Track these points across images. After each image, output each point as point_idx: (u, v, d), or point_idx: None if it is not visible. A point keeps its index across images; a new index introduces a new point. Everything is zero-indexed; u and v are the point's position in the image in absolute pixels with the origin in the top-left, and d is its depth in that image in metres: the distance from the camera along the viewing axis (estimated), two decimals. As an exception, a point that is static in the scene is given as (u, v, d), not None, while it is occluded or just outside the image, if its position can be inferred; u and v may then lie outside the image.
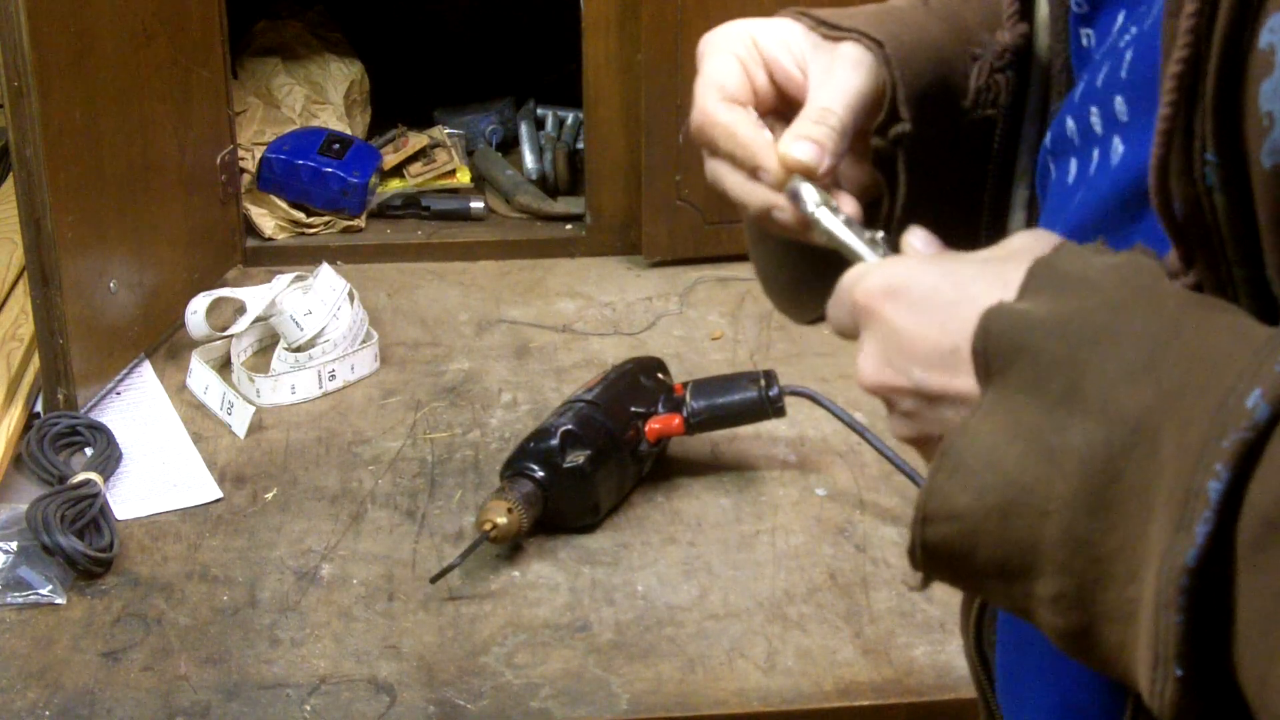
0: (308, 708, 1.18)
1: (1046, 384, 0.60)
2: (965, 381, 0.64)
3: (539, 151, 2.04)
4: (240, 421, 1.52)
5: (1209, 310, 0.59)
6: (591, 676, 1.22)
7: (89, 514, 1.34)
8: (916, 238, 0.73)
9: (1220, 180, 0.59)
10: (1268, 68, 0.56)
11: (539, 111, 2.12)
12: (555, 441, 1.36)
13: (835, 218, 0.78)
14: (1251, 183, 0.58)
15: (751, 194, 0.81)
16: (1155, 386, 0.57)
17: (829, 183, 0.80)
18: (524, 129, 2.07)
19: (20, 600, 1.28)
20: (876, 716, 1.20)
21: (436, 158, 2.00)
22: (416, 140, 2.00)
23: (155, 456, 1.48)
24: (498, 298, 1.80)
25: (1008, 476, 0.60)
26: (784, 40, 0.83)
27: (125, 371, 1.59)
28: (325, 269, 1.68)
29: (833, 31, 0.82)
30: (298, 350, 1.61)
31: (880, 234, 0.76)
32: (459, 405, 1.59)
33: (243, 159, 1.86)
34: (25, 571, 1.30)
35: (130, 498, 1.42)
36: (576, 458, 1.36)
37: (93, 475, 1.38)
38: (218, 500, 1.43)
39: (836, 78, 0.80)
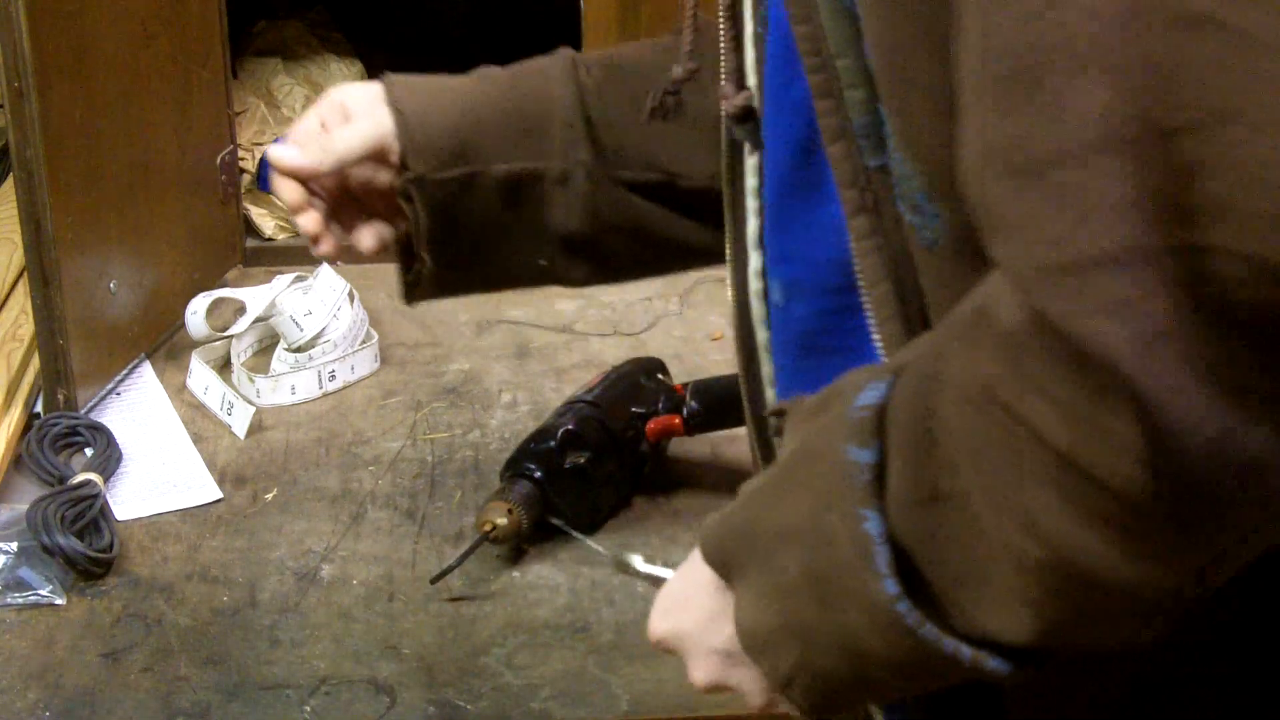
0: (308, 708, 1.18)
1: (759, 550, 0.74)
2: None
3: (539, 151, 2.04)
4: (240, 422, 1.52)
5: (819, 444, 0.72)
6: (592, 677, 1.22)
7: (89, 514, 1.33)
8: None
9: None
10: None
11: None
12: (555, 442, 1.36)
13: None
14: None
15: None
16: (809, 495, 0.70)
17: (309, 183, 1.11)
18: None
19: (20, 601, 1.28)
20: (877, 717, 1.20)
21: (436, 158, 2.00)
22: (416, 140, 2.00)
23: (155, 457, 1.48)
24: (498, 298, 1.80)
25: (781, 628, 0.73)
26: (366, 99, 1.09)
27: (125, 372, 1.59)
28: (325, 269, 1.68)
29: (391, 99, 1.09)
30: (298, 350, 1.61)
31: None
32: (459, 405, 1.59)
33: (243, 159, 1.86)
34: (25, 572, 1.30)
35: (130, 498, 1.42)
36: (577, 458, 1.36)
37: (93, 476, 1.38)
38: (218, 501, 1.43)
39: (357, 124, 1.09)
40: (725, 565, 0.77)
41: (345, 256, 1.14)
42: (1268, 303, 0.53)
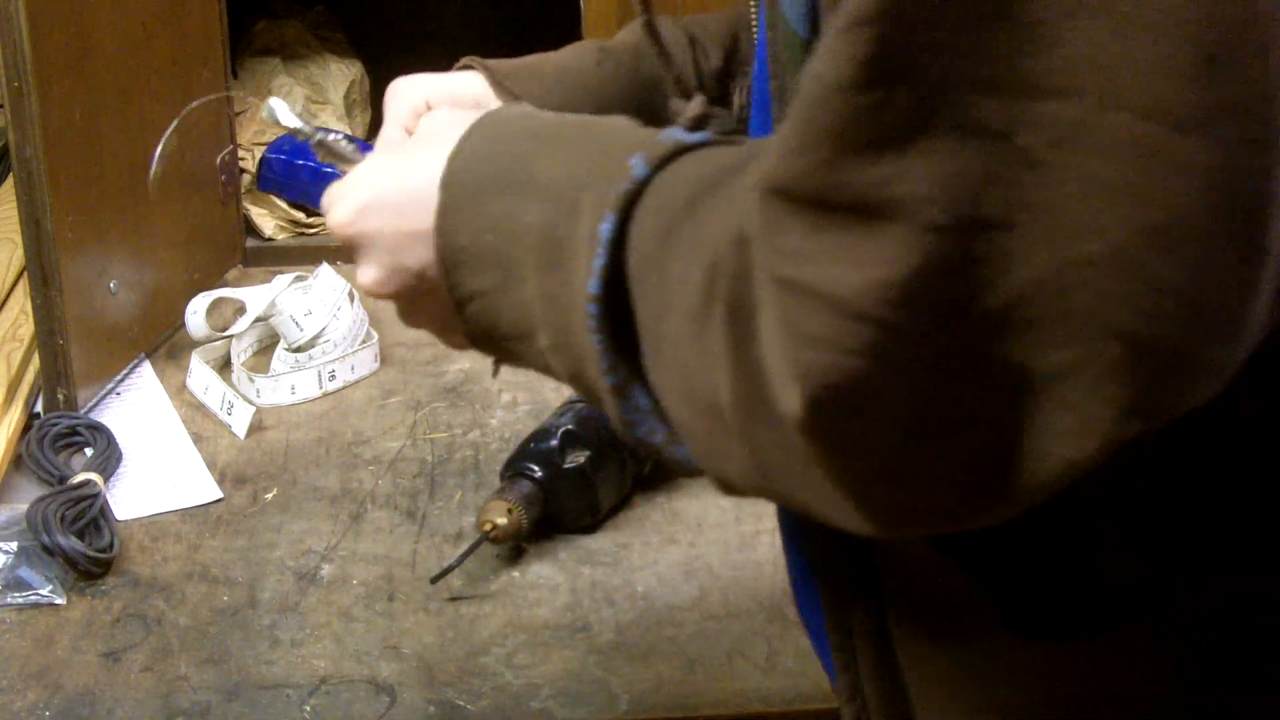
0: (308, 708, 1.18)
1: (505, 179, 0.74)
2: None
3: (539, 152, 2.04)
4: (240, 422, 1.52)
5: (610, 119, 0.76)
6: (592, 677, 1.22)
7: (89, 514, 1.33)
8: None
9: None
10: None
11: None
12: (555, 442, 1.36)
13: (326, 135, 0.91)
14: None
15: None
16: (580, 167, 0.71)
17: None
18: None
19: (20, 600, 1.28)
20: (877, 717, 1.20)
21: (436, 158, 2.00)
22: (416, 140, 2.00)
23: (155, 456, 1.48)
24: (498, 298, 1.80)
25: (494, 258, 0.74)
26: (460, 96, 0.94)
27: (125, 371, 1.59)
28: (325, 269, 1.68)
29: (504, 92, 0.94)
30: (298, 350, 1.61)
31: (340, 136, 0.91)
32: (459, 405, 1.59)
33: (243, 159, 1.86)
34: (25, 572, 1.30)
35: (130, 498, 1.42)
36: (577, 458, 1.36)
37: (93, 475, 1.38)
38: (218, 500, 1.43)
39: None
40: (464, 174, 0.76)
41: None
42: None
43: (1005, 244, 0.54)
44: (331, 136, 0.89)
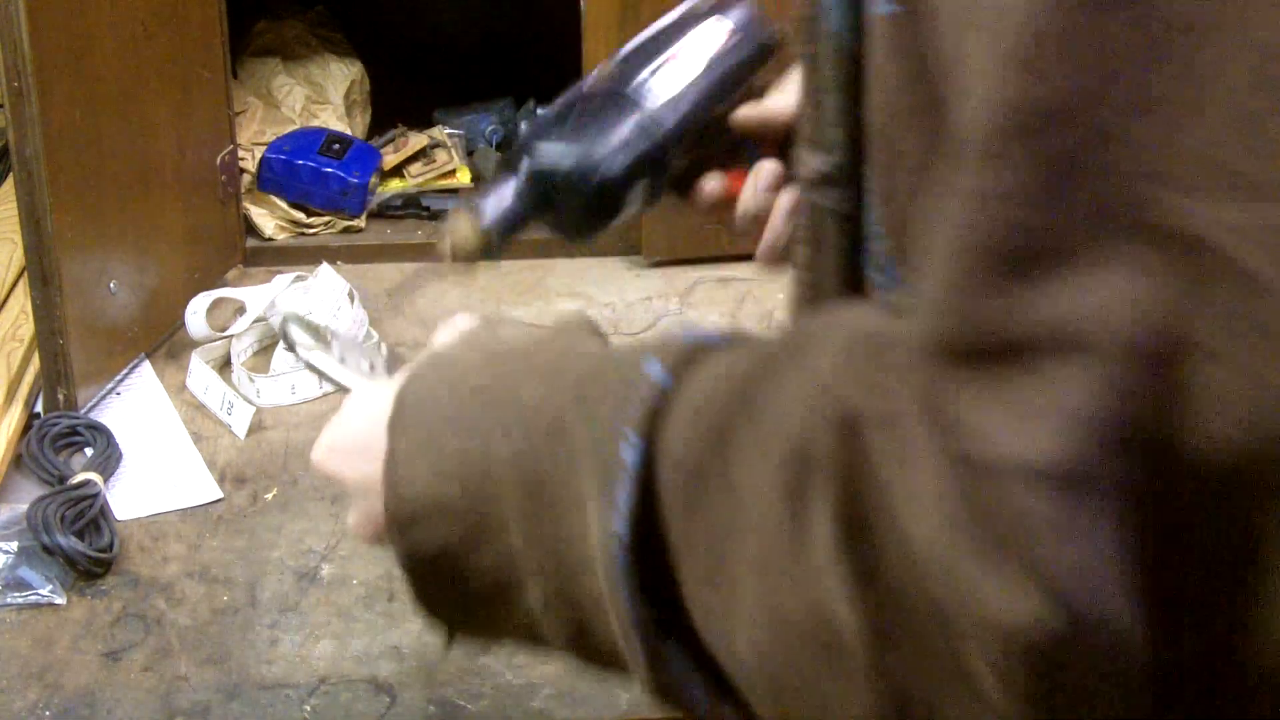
0: (308, 708, 1.18)
1: (465, 414, 0.64)
2: None
3: (539, 151, 2.04)
4: (240, 421, 1.52)
5: (585, 336, 0.66)
6: (592, 677, 1.21)
7: (89, 514, 1.33)
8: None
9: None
10: None
11: (539, 111, 2.12)
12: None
13: (327, 358, 0.86)
14: None
15: None
16: (561, 391, 0.61)
17: None
18: (524, 129, 2.07)
19: (20, 600, 1.28)
20: (877, 717, 1.20)
21: (436, 158, 2.00)
22: (416, 140, 2.00)
23: (155, 456, 1.48)
24: (498, 298, 1.80)
25: (459, 507, 0.63)
26: None
27: (125, 371, 1.59)
28: (325, 269, 1.68)
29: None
30: (298, 350, 1.61)
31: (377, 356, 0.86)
32: (459, 405, 1.58)
33: (243, 159, 1.86)
34: (25, 572, 1.30)
35: (130, 498, 1.42)
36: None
37: (93, 475, 1.38)
38: (218, 500, 1.43)
39: None
40: (415, 414, 0.66)
41: None
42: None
43: (1212, 373, 0.45)
44: (329, 364, 0.87)
